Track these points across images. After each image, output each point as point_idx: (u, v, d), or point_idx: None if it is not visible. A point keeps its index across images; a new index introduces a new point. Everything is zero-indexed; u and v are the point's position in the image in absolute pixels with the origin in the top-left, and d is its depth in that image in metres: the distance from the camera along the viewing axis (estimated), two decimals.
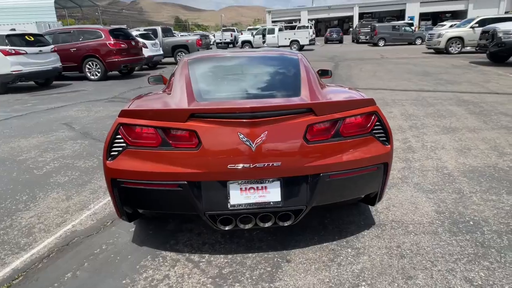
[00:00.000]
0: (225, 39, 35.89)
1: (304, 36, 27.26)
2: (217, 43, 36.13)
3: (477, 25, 17.07)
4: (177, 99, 2.61)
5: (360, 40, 34.91)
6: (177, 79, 2.97)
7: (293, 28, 31.86)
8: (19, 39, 10.45)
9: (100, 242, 2.76)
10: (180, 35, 25.84)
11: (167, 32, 19.43)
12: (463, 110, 6.43)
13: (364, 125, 2.39)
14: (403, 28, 29.62)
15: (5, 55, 9.90)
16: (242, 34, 37.32)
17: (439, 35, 18.42)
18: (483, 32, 13.37)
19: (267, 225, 2.38)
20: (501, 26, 12.26)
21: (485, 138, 4.86)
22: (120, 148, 2.29)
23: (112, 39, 12.46)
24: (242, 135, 2.15)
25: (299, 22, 47.24)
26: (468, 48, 17.70)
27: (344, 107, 2.33)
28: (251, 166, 2.16)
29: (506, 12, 31.02)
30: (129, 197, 2.39)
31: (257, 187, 2.27)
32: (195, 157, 2.19)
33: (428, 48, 20.09)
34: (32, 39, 10.84)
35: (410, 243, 2.59)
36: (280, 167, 2.19)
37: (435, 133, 5.19)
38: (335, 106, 2.36)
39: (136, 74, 14.71)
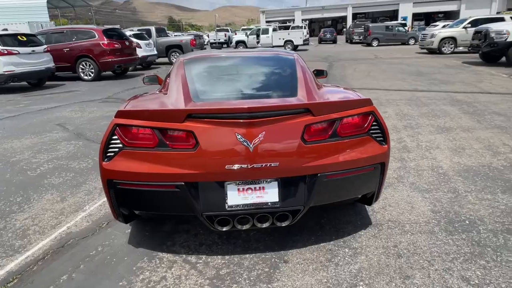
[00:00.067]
0: (219, 39, 35.89)
1: (298, 36, 27.33)
2: (211, 43, 36.11)
3: (469, 25, 17.21)
4: (174, 100, 2.59)
5: (353, 40, 35.04)
6: (173, 79, 2.95)
7: (287, 28, 31.89)
8: (11, 39, 10.35)
9: (96, 244, 2.74)
10: (174, 35, 25.75)
11: (161, 32, 19.37)
12: (457, 110, 6.48)
13: (361, 125, 2.40)
14: (396, 28, 29.79)
15: None
16: (236, 34, 37.29)
17: (432, 35, 18.55)
18: (476, 32, 13.48)
19: (264, 225, 2.37)
20: (494, 27, 12.37)
21: (479, 137, 4.90)
22: (117, 149, 2.27)
23: (105, 39, 12.38)
24: (239, 136, 2.14)
25: (293, 22, 47.26)
26: (460, 48, 17.85)
27: (341, 107, 2.34)
28: (249, 167, 2.16)
29: (498, 13, 31.27)
30: (126, 199, 2.37)
31: (255, 188, 2.27)
32: (193, 157, 2.18)
33: (421, 48, 20.23)
34: (25, 39, 10.74)
35: (407, 242, 2.60)
36: (278, 168, 2.19)
37: (429, 132, 5.22)
38: (333, 106, 2.36)
39: (130, 74, 14.63)
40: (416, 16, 52.20)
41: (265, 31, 28.59)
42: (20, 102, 9.07)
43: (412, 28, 41.40)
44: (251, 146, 2.14)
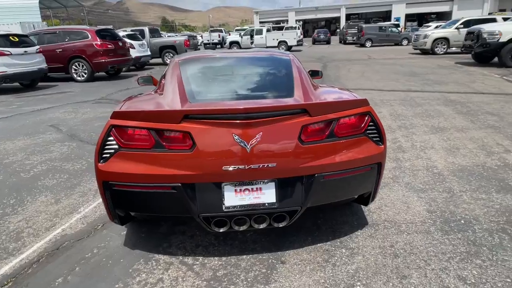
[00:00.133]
0: (212, 40, 35.87)
1: (292, 36, 27.40)
2: (205, 44, 36.08)
3: (462, 26, 17.36)
4: (170, 100, 2.58)
5: (347, 41, 35.20)
6: (168, 80, 2.93)
7: (281, 29, 31.96)
8: (3, 40, 10.24)
9: (91, 246, 2.71)
10: (167, 36, 25.68)
11: (154, 32, 19.31)
12: (450, 110, 6.53)
13: (358, 125, 2.40)
14: (389, 29, 29.96)
15: None
16: (229, 34, 37.30)
17: (425, 36, 18.69)
18: (468, 33, 13.60)
19: (261, 226, 2.37)
20: (486, 27, 12.48)
21: (473, 137, 4.93)
22: (112, 150, 2.25)
23: (98, 40, 12.30)
24: (236, 136, 2.13)
25: (287, 23, 47.35)
26: (453, 48, 18.00)
27: (338, 108, 2.34)
28: (246, 167, 2.15)
29: (490, 13, 31.62)
30: (122, 200, 2.35)
31: (252, 189, 2.26)
32: (189, 158, 2.16)
33: (415, 49, 20.38)
34: (17, 39, 10.63)
35: (403, 242, 2.61)
36: (275, 168, 2.18)
37: (424, 133, 5.25)
38: (329, 106, 2.36)
39: (124, 75, 14.56)
40: (409, 17, 52.49)
41: (259, 32, 28.62)
42: (12, 103, 8.98)
43: (405, 29, 41.64)
44: (248, 146, 2.13)
